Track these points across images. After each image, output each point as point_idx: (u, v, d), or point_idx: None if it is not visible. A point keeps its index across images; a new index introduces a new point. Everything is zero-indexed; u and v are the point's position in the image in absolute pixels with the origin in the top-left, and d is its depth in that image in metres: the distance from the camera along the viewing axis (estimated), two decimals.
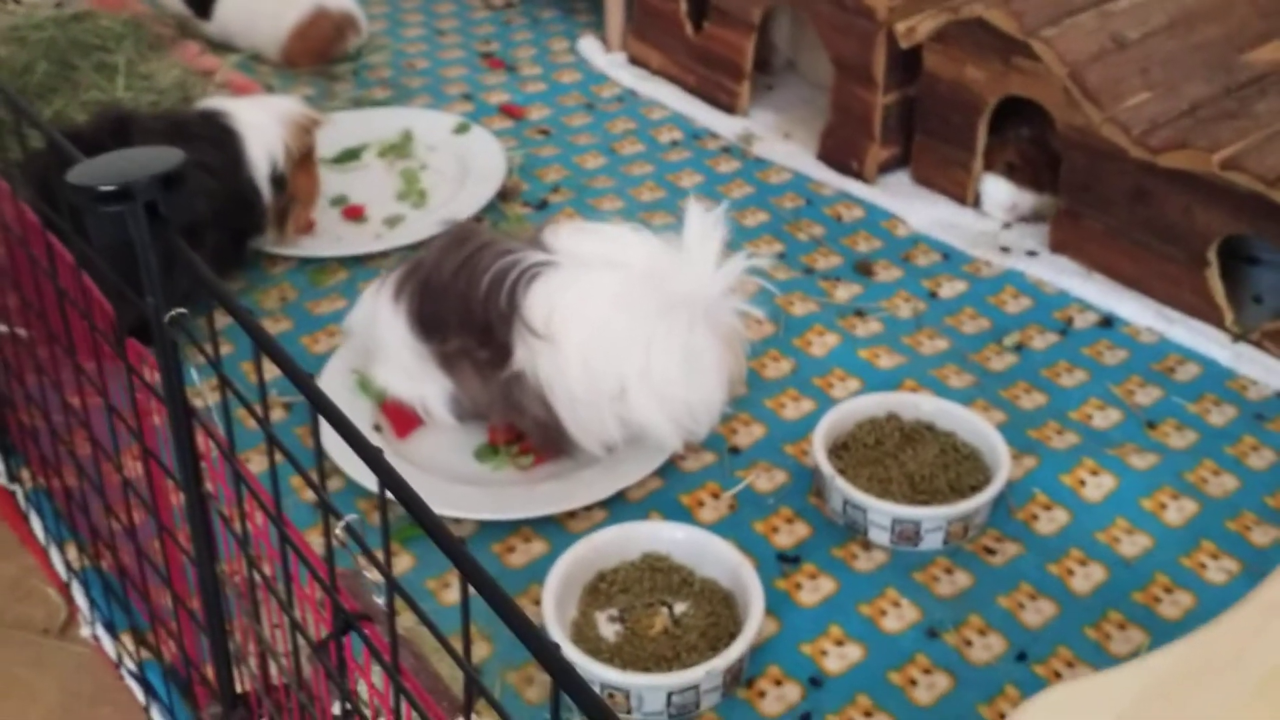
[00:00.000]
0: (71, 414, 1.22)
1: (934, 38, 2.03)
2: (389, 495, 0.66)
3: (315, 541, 1.44)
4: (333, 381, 1.69)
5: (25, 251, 1.20)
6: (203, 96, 2.34)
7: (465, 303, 1.53)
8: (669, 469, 1.59)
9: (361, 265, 1.99)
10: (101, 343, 1.07)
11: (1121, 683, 0.99)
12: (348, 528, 0.72)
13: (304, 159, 1.91)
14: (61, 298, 1.12)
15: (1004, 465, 1.49)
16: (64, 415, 1.26)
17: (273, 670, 1.02)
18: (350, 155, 2.24)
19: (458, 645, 0.64)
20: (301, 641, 0.88)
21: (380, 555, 0.71)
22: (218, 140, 1.82)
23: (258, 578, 0.93)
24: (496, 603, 0.57)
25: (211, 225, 1.77)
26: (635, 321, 1.49)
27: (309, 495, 1.55)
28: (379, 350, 1.62)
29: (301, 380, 0.70)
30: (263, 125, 1.85)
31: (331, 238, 2.03)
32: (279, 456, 0.81)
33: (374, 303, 1.62)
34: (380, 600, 0.78)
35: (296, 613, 0.87)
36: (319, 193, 2.00)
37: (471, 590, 0.60)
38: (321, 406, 0.70)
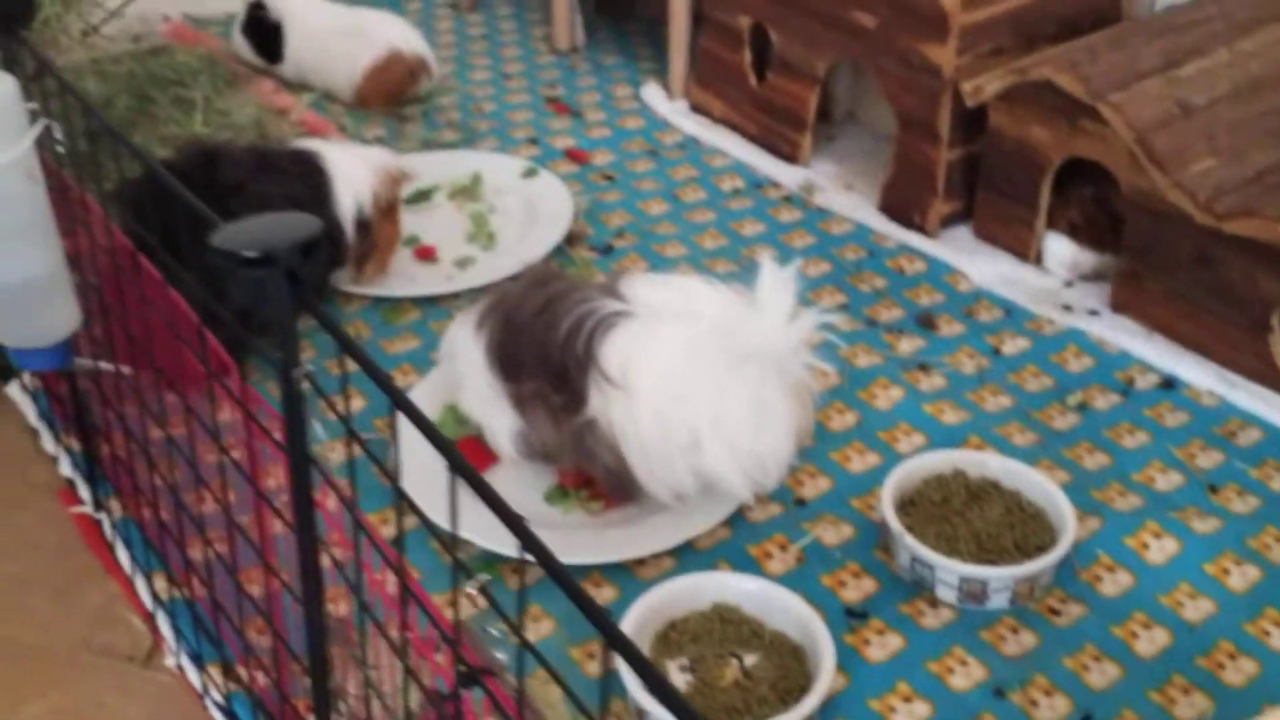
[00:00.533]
0: (175, 448, 1.26)
1: (1000, 97, 2.07)
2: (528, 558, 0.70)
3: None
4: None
5: (139, 293, 1.25)
6: (278, 134, 2.40)
7: (543, 346, 1.57)
8: (736, 519, 1.62)
9: (434, 305, 2.04)
10: (216, 386, 1.12)
11: None
12: (482, 589, 0.75)
13: (389, 209, 1.96)
14: (176, 340, 1.16)
15: (1069, 527, 1.51)
16: (163, 448, 1.30)
17: (374, 710, 1.06)
18: (422, 196, 2.29)
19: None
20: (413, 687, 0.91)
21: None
22: (305, 176, 1.88)
23: (369, 624, 0.96)
24: (645, 675, 0.61)
25: None
26: (708, 373, 1.52)
27: (388, 528, 1.58)
28: (460, 377, 1.66)
29: (444, 447, 0.74)
30: (353, 168, 1.90)
31: (405, 278, 2.08)
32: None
33: (458, 331, 1.67)
34: (499, 655, 0.81)
35: (410, 660, 0.91)
36: (399, 242, 2.05)
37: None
38: (463, 471, 0.73)
